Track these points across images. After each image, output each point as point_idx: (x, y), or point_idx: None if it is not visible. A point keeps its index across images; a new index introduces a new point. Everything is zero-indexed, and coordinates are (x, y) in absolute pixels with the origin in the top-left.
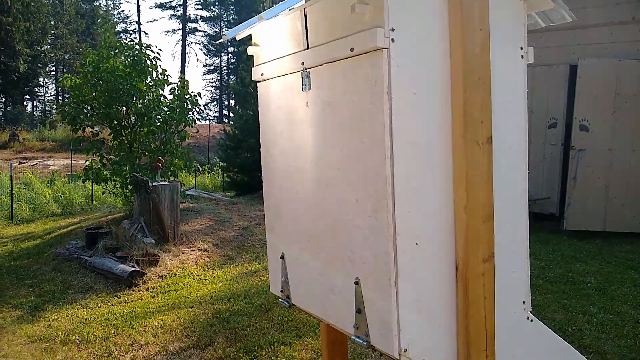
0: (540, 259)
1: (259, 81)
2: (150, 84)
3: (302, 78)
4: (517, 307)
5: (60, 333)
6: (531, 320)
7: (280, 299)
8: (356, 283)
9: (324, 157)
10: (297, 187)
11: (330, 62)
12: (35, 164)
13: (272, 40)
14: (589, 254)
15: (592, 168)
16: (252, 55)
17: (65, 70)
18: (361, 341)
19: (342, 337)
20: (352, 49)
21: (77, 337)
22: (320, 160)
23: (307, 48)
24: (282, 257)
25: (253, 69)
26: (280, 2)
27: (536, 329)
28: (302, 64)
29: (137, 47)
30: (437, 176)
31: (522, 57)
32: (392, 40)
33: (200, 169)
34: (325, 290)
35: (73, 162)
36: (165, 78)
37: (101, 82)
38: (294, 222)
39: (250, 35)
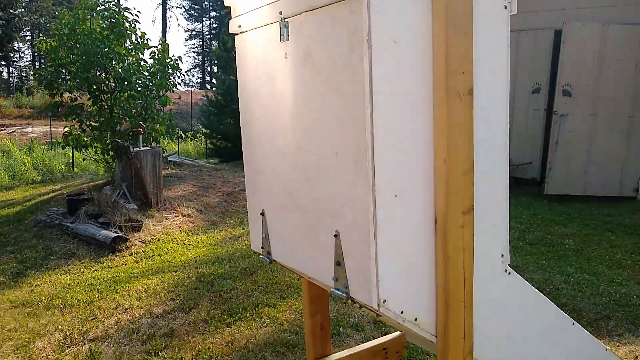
0: (520, 222)
1: (237, 34)
2: (130, 47)
3: (281, 28)
4: (496, 260)
5: (43, 298)
6: (509, 273)
7: (260, 256)
8: (335, 236)
9: (304, 110)
10: (277, 142)
11: (309, 11)
12: (13, 132)
13: None
14: (568, 217)
15: (573, 133)
16: (230, 7)
17: (40, 35)
18: (340, 293)
19: (323, 293)
20: None
21: (60, 302)
22: (299, 113)
23: None
24: (263, 214)
25: (230, 21)
26: None
27: (514, 282)
28: (280, 13)
29: (115, 8)
30: (418, 128)
31: (506, 7)
32: None
33: (183, 135)
34: (305, 244)
35: (52, 129)
36: (145, 42)
37: (78, 45)
38: (274, 178)
39: None
